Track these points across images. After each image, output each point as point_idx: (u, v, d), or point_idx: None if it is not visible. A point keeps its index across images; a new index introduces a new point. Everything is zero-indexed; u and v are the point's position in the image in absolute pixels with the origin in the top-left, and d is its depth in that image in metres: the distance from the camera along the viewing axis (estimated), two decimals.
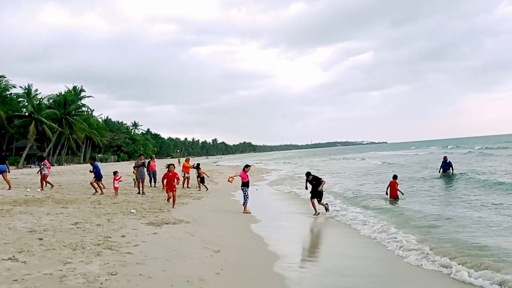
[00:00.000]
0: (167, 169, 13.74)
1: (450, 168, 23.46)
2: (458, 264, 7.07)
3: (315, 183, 13.89)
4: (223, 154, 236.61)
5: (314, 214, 13.39)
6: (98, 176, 16.97)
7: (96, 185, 16.86)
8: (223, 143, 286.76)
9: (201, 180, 21.02)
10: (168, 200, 13.81)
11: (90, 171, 17.66)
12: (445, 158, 24.59)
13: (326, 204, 14.06)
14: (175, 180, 13.68)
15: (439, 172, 23.70)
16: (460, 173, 23.21)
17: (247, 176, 14.05)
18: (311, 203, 13.78)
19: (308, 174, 14.47)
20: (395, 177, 16.64)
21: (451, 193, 17.73)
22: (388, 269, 7.49)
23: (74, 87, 73.40)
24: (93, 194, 16.33)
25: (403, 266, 7.54)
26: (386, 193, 16.19)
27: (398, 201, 15.58)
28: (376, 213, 13.08)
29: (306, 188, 14.52)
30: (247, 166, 14.68)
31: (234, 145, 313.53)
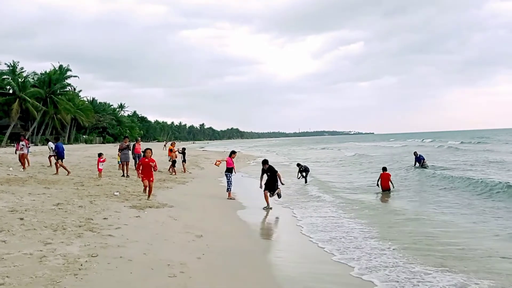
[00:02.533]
0: (143, 154, 12.11)
1: (423, 161, 24.35)
2: None
3: (270, 175, 12.69)
4: (210, 140, 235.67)
5: (265, 208, 12.24)
6: (60, 156, 16.95)
7: (58, 165, 16.92)
8: (210, 128, 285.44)
9: (173, 162, 20.80)
10: (144, 190, 11.80)
11: (52, 151, 17.99)
12: (415, 153, 25.59)
13: (278, 190, 12.74)
14: (152, 168, 11.57)
15: (414, 166, 24.45)
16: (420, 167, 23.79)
17: (233, 162, 14.09)
18: (263, 195, 12.52)
19: (264, 162, 13.07)
20: (384, 169, 16.64)
21: (407, 186, 18.07)
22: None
23: (60, 66, 72.02)
24: (54, 174, 16.36)
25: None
26: (377, 185, 16.29)
27: (390, 193, 15.72)
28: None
29: (262, 178, 13.02)
30: (233, 152, 14.71)
31: (221, 130, 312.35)
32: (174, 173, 20.13)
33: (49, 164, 19.40)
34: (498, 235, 8.99)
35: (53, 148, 17.91)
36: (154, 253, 6.37)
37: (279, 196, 12.83)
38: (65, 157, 17.50)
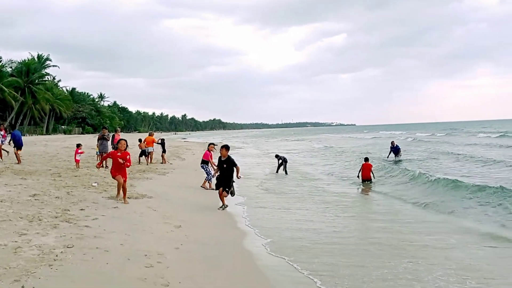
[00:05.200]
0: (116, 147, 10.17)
1: (399, 151, 24.40)
2: None
3: (226, 167, 10.30)
4: (192, 131, 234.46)
5: (221, 208, 10.38)
6: (18, 145, 16.80)
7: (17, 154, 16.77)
8: (192, 119, 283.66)
9: (142, 153, 20.58)
10: (117, 195, 9.71)
11: (8, 142, 17.72)
12: (392, 143, 25.54)
13: (232, 188, 10.59)
14: (125, 162, 9.48)
15: (388, 157, 24.55)
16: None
17: (209, 154, 14.05)
18: (218, 193, 10.54)
19: (225, 148, 10.53)
20: (366, 159, 16.96)
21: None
22: None
23: (39, 55, 70.57)
24: (16, 163, 16.22)
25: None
26: (358, 176, 16.51)
27: (370, 183, 15.94)
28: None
29: (216, 167, 10.90)
30: (210, 144, 14.73)
31: (203, 121, 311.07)
32: (139, 163, 19.86)
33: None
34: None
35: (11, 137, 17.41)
36: (131, 244, 6.35)
37: (232, 194, 10.75)
38: (21, 146, 17.16)
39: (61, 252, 5.56)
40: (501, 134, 52.98)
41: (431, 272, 6.11)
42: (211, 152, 14.14)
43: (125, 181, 9.55)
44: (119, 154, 9.49)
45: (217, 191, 10.56)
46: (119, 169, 9.46)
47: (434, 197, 12.58)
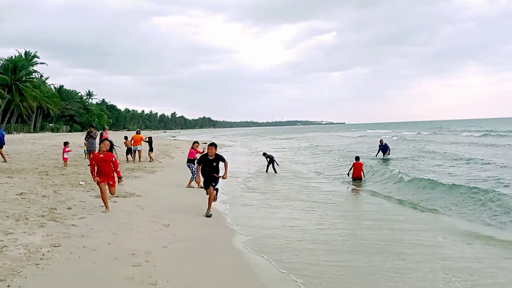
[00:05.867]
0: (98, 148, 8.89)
1: (388, 150, 24.49)
2: None
3: (215, 165, 9.44)
4: (181, 129, 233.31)
5: (207, 215, 9.43)
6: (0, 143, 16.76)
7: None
8: (182, 117, 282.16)
9: (127, 150, 20.51)
10: (107, 208, 8.47)
11: None
12: (381, 141, 25.51)
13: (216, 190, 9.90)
14: (113, 166, 8.50)
15: (376, 155, 24.67)
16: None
17: (194, 152, 14.02)
18: (208, 199, 9.55)
19: (213, 146, 9.58)
20: (357, 158, 17.07)
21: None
22: None
23: (26, 52, 69.70)
24: (2, 161, 16.07)
25: None
26: (348, 174, 16.60)
27: (361, 181, 16.05)
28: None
29: (199, 163, 9.71)
30: (195, 142, 14.71)
31: (193, 119, 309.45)
32: (127, 161, 19.87)
33: None
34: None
35: None
36: (119, 243, 6.34)
37: (215, 199, 10.06)
38: (5, 143, 17.09)
39: (48, 251, 5.54)
40: (484, 133, 53.84)
41: (417, 270, 6.19)
42: (196, 150, 14.11)
43: (113, 184, 8.56)
44: (101, 156, 8.43)
45: (206, 190, 9.59)
46: (105, 173, 8.36)
47: (421, 196, 12.73)
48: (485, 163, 19.69)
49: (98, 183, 8.40)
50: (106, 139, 9.11)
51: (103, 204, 8.59)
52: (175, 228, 7.90)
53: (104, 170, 8.34)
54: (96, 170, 8.38)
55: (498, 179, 14.69)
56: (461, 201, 11.53)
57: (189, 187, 13.61)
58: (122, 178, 9.22)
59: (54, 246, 5.74)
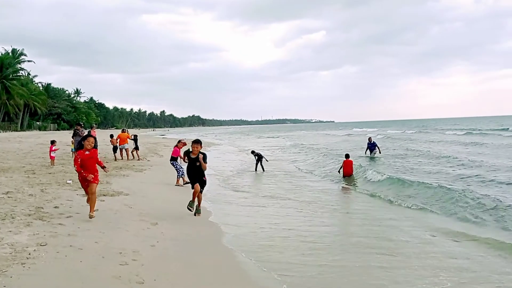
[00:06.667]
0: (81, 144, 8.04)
1: (376, 148, 24.62)
2: None
3: (199, 165, 8.75)
4: (170, 127, 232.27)
5: (195, 213, 9.13)
6: None
7: None
8: (171, 115, 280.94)
9: (114, 148, 20.51)
10: (88, 200, 7.98)
11: None
12: (369, 139, 25.73)
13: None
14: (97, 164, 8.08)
15: (365, 153, 24.85)
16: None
17: (179, 151, 13.97)
18: (193, 193, 8.95)
19: (197, 143, 8.88)
20: (347, 156, 17.22)
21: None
22: None
23: (13, 50, 68.86)
24: None
25: None
26: (339, 172, 16.73)
27: (351, 179, 16.17)
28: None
29: (185, 160, 9.16)
30: (179, 141, 14.72)
31: (182, 118, 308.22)
32: (115, 159, 19.94)
33: None
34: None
35: None
36: (106, 242, 6.32)
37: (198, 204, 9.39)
38: None
39: (34, 250, 5.50)
40: (467, 131, 54.98)
41: (406, 268, 6.27)
42: (181, 149, 14.08)
43: (97, 181, 7.95)
44: (87, 153, 7.89)
45: (193, 188, 8.93)
46: (90, 170, 7.85)
47: (409, 194, 12.88)
48: (469, 162, 20.12)
49: (83, 186, 8.05)
50: (90, 135, 8.68)
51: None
52: (163, 227, 7.88)
53: (89, 167, 7.89)
54: (83, 166, 7.83)
55: (478, 176, 15.13)
56: (447, 199, 11.70)
57: (177, 185, 13.59)
58: (107, 169, 8.82)
59: (41, 245, 5.71)
